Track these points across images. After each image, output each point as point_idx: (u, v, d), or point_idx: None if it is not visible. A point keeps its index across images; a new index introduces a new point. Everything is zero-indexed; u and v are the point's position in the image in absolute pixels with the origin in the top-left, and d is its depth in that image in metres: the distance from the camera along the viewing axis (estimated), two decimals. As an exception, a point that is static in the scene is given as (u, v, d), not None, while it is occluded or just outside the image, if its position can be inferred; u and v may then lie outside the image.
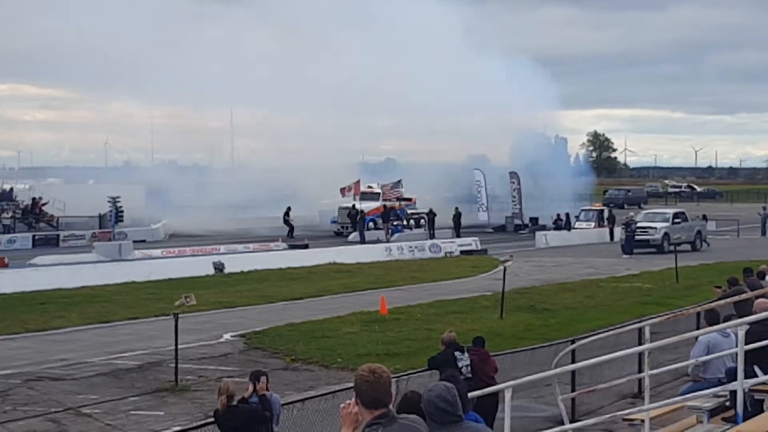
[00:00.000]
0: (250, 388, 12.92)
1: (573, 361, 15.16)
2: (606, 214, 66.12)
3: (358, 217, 60.57)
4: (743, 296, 14.71)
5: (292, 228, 62.77)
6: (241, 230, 65.13)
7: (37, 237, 56.47)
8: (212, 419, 12.85)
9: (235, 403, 12.50)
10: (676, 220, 53.80)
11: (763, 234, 64.58)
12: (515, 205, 72.09)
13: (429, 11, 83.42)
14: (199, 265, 40.97)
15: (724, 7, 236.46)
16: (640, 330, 15.27)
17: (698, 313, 16.99)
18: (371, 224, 62.00)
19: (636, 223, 52.69)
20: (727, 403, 11.95)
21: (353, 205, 62.96)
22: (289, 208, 64.75)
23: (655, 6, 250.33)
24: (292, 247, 51.89)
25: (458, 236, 59.34)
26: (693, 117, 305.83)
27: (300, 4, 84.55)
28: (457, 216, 63.24)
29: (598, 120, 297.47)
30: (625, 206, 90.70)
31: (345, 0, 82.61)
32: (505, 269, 30.17)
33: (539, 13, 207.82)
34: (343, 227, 63.01)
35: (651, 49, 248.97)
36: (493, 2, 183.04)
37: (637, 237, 51.57)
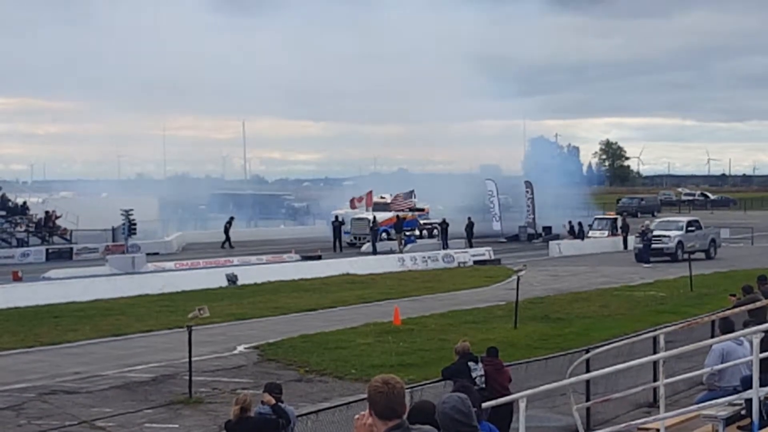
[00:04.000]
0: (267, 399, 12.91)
1: (588, 371, 15.09)
2: (620, 222, 65.90)
3: (371, 227, 60.61)
4: (758, 304, 14.65)
5: (228, 239, 63.42)
6: (254, 242, 65.23)
7: (50, 250, 56.62)
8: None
9: (249, 414, 12.49)
10: (690, 228, 53.63)
11: (778, 241, 64.33)
12: (529, 214, 71.97)
13: (434, 20, 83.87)
14: (213, 277, 41.01)
15: (731, 14, 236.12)
16: (655, 339, 15.22)
17: (713, 322, 16.93)
18: (384, 235, 61.99)
19: (652, 231, 52.42)
20: (743, 412, 11.88)
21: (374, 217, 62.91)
22: (232, 218, 66.32)
23: (660, 13, 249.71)
24: (305, 258, 51.91)
25: (471, 246, 59.23)
26: (704, 125, 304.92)
27: (308, 13, 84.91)
28: (470, 226, 63.20)
29: (610, 128, 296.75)
30: (639, 214, 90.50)
31: (355, 8, 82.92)
32: (518, 279, 30.11)
33: (545, 21, 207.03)
34: (356, 238, 62.99)
35: (659, 57, 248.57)
36: (498, 10, 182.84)
37: (651, 245, 51.37)
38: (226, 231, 63.79)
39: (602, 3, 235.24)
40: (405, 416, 5.74)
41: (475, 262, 51.77)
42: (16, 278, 42.52)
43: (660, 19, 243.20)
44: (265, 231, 75.10)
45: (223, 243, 62.99)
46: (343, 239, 62.27)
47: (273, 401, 12.74)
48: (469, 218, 64.17)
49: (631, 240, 56.40)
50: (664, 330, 14.01)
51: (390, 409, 5.64)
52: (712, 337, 15.91)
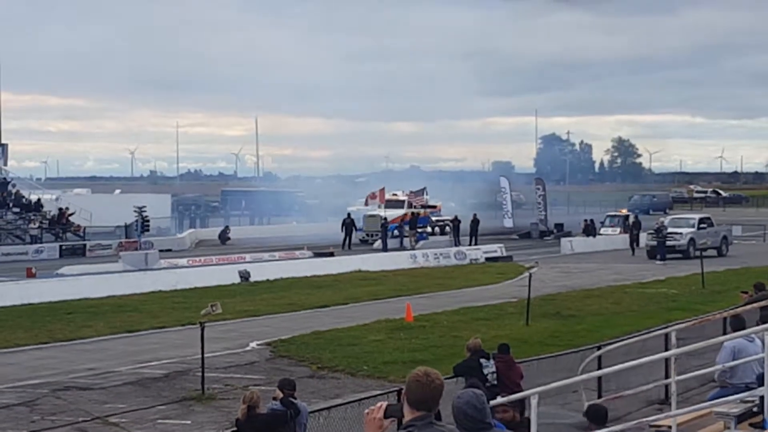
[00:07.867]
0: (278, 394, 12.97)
1: (599, 367, 15.12)
2: (631, 220, 65.68)
3: (382, 224, 60.60)
4: (770, 301, 14.64)
5: (223, 241, 65.83)
6: (266, 238, 65.35)
7: (64, 247, 56.80)
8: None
9: (259, 411, 12.54)
10: (702, 226, 53.48)
11: (790, 239, 64.15)
12: (540, 211, 71.85)
13: (444, 18, 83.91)
14: (225, 274, 41.08)
15: (739, 10, 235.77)
16: (667, 336, 15.26)
17: (725, 319, 16.92)
18: (396, 232, 61.97)
19: (667, 228, 52.19)
20: (755, 409, 11.90)
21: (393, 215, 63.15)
22: (227, 227, 69.05)
23: (665, 10, 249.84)
24: (318, 255, 51.98)
25: (475, 243, 59.00)
26: (714, 122, 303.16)
27: (320, 11, 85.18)
28: (475, 223, 62.87)
29: (620, 126, 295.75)
30: (651, 212, 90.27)
31: (366, 7, 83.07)
32: (530, 276, 30.07)
33: (551, 19, 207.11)
34: (368, 235, 62.96)
35: (666, 54, 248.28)
36: (505, 8, 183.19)
37: (666, 242, 51.19)
38: (222, 237, 66.06)
39: (610, 0, 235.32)
40: (435, 412, 5.82)
41: (487, 259, 51.76)
42: (30, 275, 42.68)
43: (668, 16, 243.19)
44: (277, 228, 75.17)
45: (224, 242, 64.25)
46: (353, 236, 62.20)
47: (281, 395, 12.82)
48: (475, 215, 63.90)
49: (644, 237, 56.16)
50: (676, 327, 14.06)
51: (421, 401, 5.79)
52: (724, 334, 15.92)
